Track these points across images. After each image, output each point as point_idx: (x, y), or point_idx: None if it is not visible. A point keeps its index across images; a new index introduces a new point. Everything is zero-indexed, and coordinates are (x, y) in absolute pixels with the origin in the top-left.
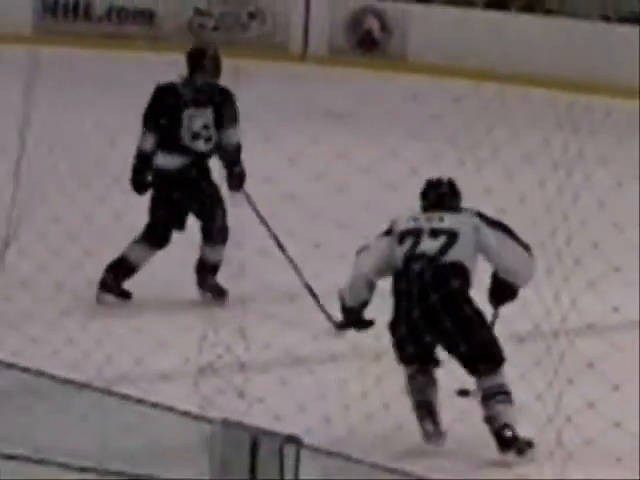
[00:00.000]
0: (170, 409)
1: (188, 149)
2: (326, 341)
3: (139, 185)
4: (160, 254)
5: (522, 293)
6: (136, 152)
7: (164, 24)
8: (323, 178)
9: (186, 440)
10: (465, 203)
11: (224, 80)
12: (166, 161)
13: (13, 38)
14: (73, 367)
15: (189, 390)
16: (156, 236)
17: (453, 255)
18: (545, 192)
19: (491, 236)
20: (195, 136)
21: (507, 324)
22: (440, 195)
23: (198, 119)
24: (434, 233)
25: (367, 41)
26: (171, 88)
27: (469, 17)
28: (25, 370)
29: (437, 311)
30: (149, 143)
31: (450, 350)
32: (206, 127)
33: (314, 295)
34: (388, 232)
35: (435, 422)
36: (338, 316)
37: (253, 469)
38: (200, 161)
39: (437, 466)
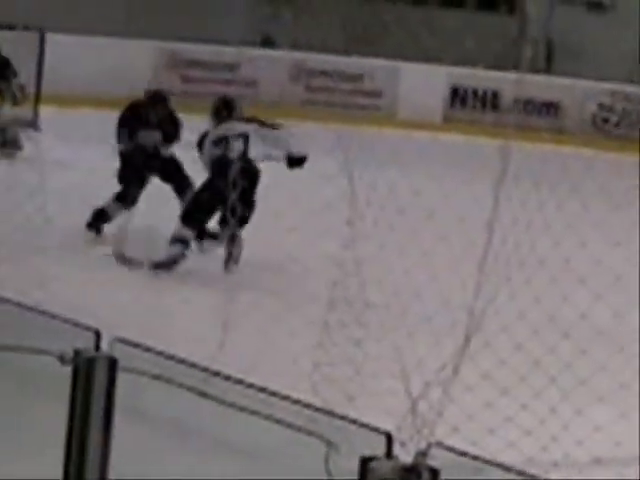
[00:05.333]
0: None
1: None
2: None
3: None
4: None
5: None
6: None
7: (568, 116)
8: None
9: None
10: None
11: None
12: None
13: (421, 124)
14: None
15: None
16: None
17: (252, 152)
18: None
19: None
20: None
21: None
22: (230, 109)
23: None
24: (238, 136)
25: None
26: None
27: None
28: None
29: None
30: None
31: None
32: None
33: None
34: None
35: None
36: None
37: None
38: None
39: None
